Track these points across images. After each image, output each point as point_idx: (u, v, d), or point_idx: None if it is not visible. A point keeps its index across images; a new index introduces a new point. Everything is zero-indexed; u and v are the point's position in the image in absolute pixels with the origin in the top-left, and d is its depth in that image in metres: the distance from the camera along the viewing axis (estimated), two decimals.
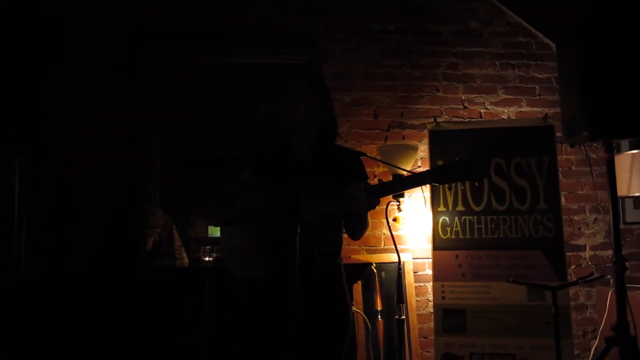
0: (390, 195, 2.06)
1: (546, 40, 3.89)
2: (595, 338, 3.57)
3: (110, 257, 3.18)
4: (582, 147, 3.56)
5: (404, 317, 3.09)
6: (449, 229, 3.30)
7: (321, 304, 1.99)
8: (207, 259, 3.34)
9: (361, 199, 1.86)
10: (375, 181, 3.58)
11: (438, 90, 3.83)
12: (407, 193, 3.52)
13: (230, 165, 2.17)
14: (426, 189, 3.49)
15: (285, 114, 2.04)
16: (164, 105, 3.59)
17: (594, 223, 3.78)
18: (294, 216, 1.85)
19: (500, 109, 3.85)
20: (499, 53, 3.90)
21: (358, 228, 2.09)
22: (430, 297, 3.50)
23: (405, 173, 3.39)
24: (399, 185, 1.92)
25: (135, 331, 2.90)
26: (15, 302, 2.52)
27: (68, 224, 3.17)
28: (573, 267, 3.70)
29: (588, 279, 2.94)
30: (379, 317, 3.40)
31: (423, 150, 3.67)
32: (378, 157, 3.57)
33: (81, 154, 3.34)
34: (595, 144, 3.58)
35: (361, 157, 2.12)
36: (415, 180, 1.87)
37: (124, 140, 3.44)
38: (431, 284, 3.40)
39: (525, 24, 3.91)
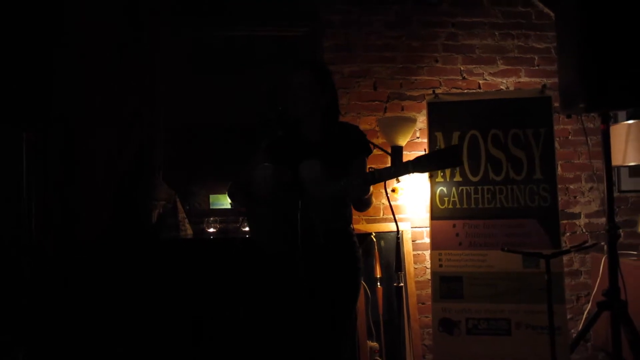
0: None
1: (546, 10, 3.87)
2: (589, 302, 3.67)
3: (119, 231, 3.26)
4: (579, 117, 3.60)
5: (402, 284, 3.19)
6: (446, 199, 3.37)
7: (330, 273, 2.16)
8: (210, 230, 3.44)
9: (360, 187, 2.04)
10: (376, 152, 3.66)
11: (437, 61, 3.84)
12: None
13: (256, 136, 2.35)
14: None
15: (290, 108, 2.19)
16: (167, 78, 3.63)
17: (589, 191, 3.85)
18: (296, 192, 2.04)
19: (498, 79, 3.87)
20: (498, 23, 3.89)
21: (360, 206, 2.29)
22: (428, 264, 3.59)
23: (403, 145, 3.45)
24: (391, 174, 2.13)
25: (146, 303, 3.01)
26: (27, 277, 2.61)
27: (76, 199, 3.24)
28: (568, 234, 3.79)
29: (581, 246, 3.03)
30: (378, 284, 3.50)
31: (422, 121, 3.70)
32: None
33: (87, 129, 3.36)
34: (592, 114, 3.62)
35: (363, 130, 2.34)
36: (401, 170, 2.07)
37: (128, 115, 3.47)
38: (429, 252, 3.49)
39: None
